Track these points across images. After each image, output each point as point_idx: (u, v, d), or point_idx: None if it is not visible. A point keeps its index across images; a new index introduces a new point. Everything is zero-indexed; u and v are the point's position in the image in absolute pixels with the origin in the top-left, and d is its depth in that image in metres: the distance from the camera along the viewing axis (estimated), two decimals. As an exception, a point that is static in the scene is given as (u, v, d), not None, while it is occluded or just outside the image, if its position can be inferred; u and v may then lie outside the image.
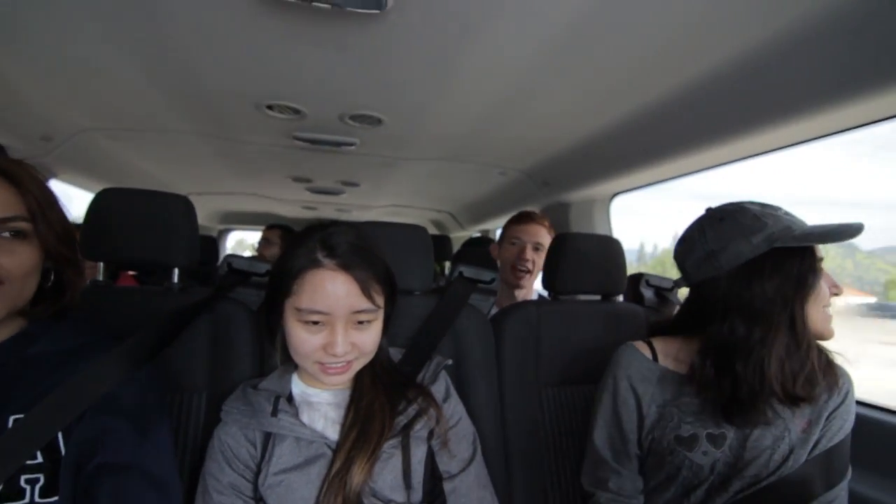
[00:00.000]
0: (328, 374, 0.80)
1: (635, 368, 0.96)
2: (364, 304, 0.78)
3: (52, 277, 0.77)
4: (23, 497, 0.66)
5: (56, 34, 1.03)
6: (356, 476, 0.76)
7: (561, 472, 1.19)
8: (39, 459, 0.68)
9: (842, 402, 0.87)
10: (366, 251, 0.81)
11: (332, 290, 0.76)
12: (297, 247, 0.80)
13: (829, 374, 0.87)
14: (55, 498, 0.68)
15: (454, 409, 0.94)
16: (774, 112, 1.06)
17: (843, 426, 0.87)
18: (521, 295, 1.72)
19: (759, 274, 0.83)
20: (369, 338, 0.81)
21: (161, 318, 0.94)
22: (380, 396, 0.85)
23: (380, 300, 0.81)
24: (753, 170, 1.40)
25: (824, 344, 0.89)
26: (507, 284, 1.72)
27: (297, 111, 1.43)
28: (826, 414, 0.87)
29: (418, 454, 0.84)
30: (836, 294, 0.86)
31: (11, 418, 0.68)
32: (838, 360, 0.90)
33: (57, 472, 0.69)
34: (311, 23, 0.94)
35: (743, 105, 1.10)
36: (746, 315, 0.83)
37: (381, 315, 0.83)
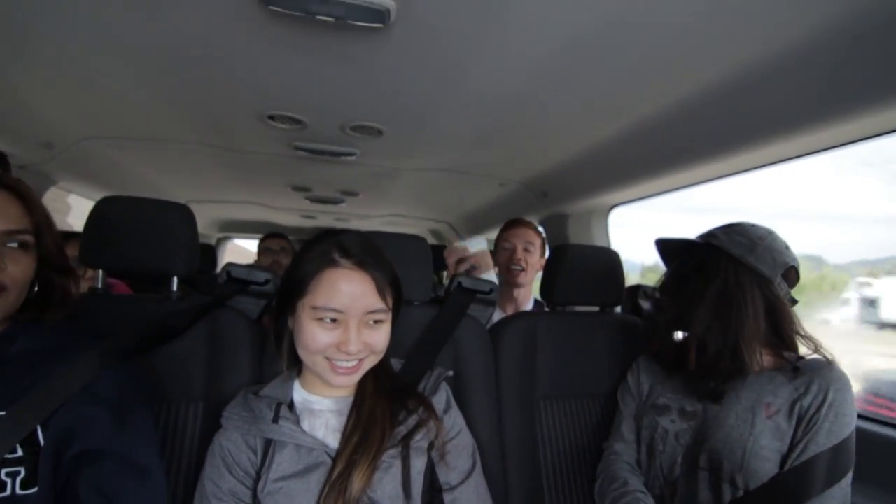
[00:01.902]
0: (337, 374, 0.81)
1: (644, 363, 1.17)
2: (378, 303, 0.81)
3: (37, 287, 0.81)
4: (4, 490, 0.69)
5: (59, 42, 1.04)
6: (356, 482, 0.76)
7: (560, 485, 1.19)
8: (19, 453, 0.71)
9: (823, 403, 0.89)
10: (378, 254, 0.84)
11: (348, 288, 0.79)
12: (310, 250, 0.82)
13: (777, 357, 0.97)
14: (35, 489, 0.70)
15: (454, 420, 0.94)
16: (772, 127, 1.08)
17: (833, 429, 0.88)
18: (521, 294, 1.81)
19: None
20: (381, 337, 0.83)
21: (151, 321, 0.95)
22: (382, 403, 0.86)
23: (391, 302, 0.84)
24: (739, 183, 1.44)
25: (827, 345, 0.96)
26: (507, 285, 1.81)
27: (298, 121, 1.44)
28: (798, 409, 0.91)
29: (418, 465, 0.84)
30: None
31: None
32: (826, 360, 0.95)
33: (37, 464, 0.71)
34: (314, 35, 0.95)
35: (740, 120, 1.11)
36: None
37: (390, 317, 0.85)
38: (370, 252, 0.83)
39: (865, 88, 0.90)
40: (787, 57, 0.91)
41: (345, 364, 0.80)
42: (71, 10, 0.92)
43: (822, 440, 0.87)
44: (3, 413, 0.71)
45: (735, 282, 0.95)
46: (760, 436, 0.91)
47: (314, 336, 0.79)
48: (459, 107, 1.28)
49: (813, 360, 0.95)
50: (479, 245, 1.49)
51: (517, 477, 1.13)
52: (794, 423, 0.90)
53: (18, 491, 0.70)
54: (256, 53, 1.05)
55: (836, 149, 1.11)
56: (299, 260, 0.83)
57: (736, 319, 0.94)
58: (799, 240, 1.00)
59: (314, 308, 0.79)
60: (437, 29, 0.91)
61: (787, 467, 0.88)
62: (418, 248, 1.19)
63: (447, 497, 0.86)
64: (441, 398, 0.94)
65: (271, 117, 1.41)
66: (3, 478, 0.69)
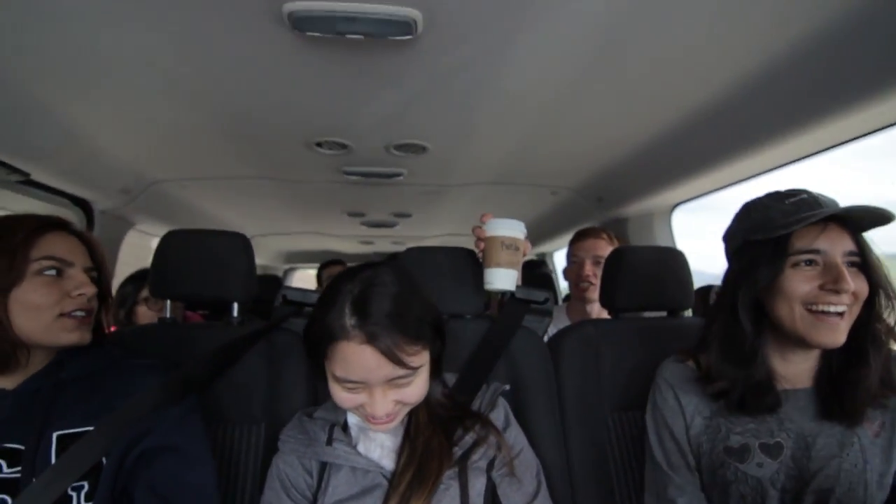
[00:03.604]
0: (374, 424, 0.77)
1: (678, 378, 0.92)
2: (398, 371, 0.74)
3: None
4: (70, 503, 0.75)
5: (131, 95, 1.14)
6: None
7: (633, 502, 1.09)
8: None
9: None
10: (405, 308, 0.75)
11: (362, 363, 0.72)
12: (329, 303, 0.76)
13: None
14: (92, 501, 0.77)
15: (515, 438, 0.89)
16: (838, 100, 0.98)
17: None
18: (593, 309, 1.71)
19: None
20: (412, 391, 0.77)
21: (211, 350, 0.98)
22: (437, 433, 0.82)
23: (418, 360, 0.76)
24: (793, 177, 1.30)
25: None
26: (579, 300, 1.73)
27: (343, 146, 1.48)
28: None
29: (477, 486, 0.80)
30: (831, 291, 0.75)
31: (55, 435, 0.78)
32: None
33: (98, 476, 0.78)
34: (347, 57, 0.97)
35: (801, 97, 1.02)
36: None
37: (424, 369, 0.79)
38: (394, 310, 0.73)
39: None
40: (847, 24, 0.81)
41: (377, 419, 0.76)
42: (132, 59, 1.00)
43: None
44: (62, 432, 0.78)
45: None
46: (874, 461, 0.76)
47: (340, 398, 0.76)
48: (499, 113, 1.26)
49: None
50: (501, 229, 1.03)
51: (586, 497, 1.05)
52: None
53: (83, 503, 0.76)
54: (296, 82, 1.09)
55: None
56: (320, 310, 0.77)
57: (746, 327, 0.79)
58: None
59: (334, 375, 0.75)
60: (466, 34, 0.90)
61: None
62: (465, 261, 1.17)
63: None
64: (499, 414, 0.89)
65: (318, 144, 1.47)
66: (69, 492, 0.75)
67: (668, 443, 0.91)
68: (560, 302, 2.45)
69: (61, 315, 0.80)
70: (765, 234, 0.79)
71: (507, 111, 1.25)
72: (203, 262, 1.11)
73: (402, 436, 0.83)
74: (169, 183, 1.82)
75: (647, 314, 1.35)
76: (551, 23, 0.87)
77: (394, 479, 0.78)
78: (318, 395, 1.03)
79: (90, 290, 0.84)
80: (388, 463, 0.81)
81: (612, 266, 1.27)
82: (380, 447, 0.83)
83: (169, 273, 1.12)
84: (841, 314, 0.75)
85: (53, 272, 0.81)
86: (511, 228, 1.02)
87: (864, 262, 0.77)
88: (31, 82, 1.05)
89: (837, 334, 0.75)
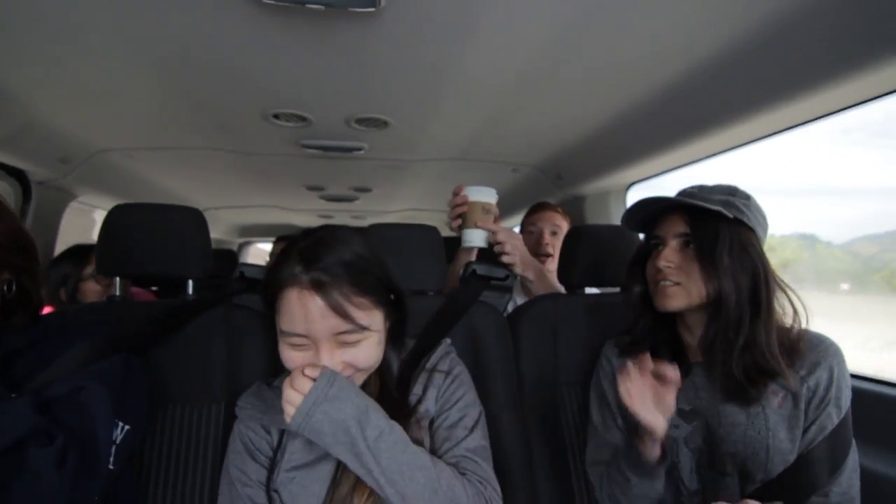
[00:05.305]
0: None
1: (615, 351, 1.05)
2: (344, 325, 0.72)
3: (14, 287, 0.78)
4: None
5: (66, 56, 1.06)
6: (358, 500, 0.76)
7: (587, 472, 1.16)
8: None
9: (831, 381, 0.83)
10: (353, 264, 0.74)
11: (306, 311, 0.71)
12: (283, 255, 0.75)
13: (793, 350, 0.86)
14: None
15: (456, 390, 0.89)
16: (795, 84, 1.02)
17: (840, 403, 0.83)
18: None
19: None
20: (362, 354, 0.76)
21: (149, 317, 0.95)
22: (387, 404, 0.80)
23: (367, 317, 0.74)
24: (747, 159, 1.38)
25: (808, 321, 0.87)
26: None
27: (302, 118, 1.43)
28: (805, 391, 0.84)
29: (417, 439, 0.80)
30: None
31: None
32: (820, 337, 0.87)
33: None
34: (307, 27, 0.94)
35: (760, 79, 1.05)
36: None
37: (375, 333, 0.78)
38: (341, 263, 0.73)
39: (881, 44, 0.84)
40: (806, 6, 0.85)
41: None
42: (76, 23, 0.93)
43: (834, 416, 0.83)
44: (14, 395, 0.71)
45: (751, 247, 0.86)
46: (777, 429, 0.83)
47: (287, 356, 0.75)
48: (462, 91, 1.26)
49: (809, 335, 0.87)
50: (481, 195, 1.23)
51: (542, 468, 1.11)
52: (803, 405, 0.84)
53: None
54: (253, 51, 1.04)
55: (858, 106, 1.04)
56: (273, 265, 0.76)
57: (765, 294, 0.84)
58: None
59: (281, 331, 0.74)
60: (430, 11, 0.88)
61: (804, 450, 0.83)
62: (429, 238, 1.17)
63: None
64: (444, 364, 0.91)
65: (276, 116, 1.41)
66: None
67: (604, 409, 1.02)
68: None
69: None
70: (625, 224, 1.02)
71: (471, 88, 1.24)
72: (155, 238, 1.07)
73: None
74: (114, 152, 1.71)
75: (601, 291, 1.40)
76: (514, 2, 0.86)
77: (341, 469, 0.78)
78: (278, 372, 1.02)
79: None
80: None
81: (571, 244, 1.31)
82: None
83: (118, 249, 1.07)
84: (675, 284, 0.89)
85: None
86: (489, 195, 1.24)
87: (695, 243, 0.88)
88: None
89: (669, 300, 0.89)
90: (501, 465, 0.97)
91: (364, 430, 0.72)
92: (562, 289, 1.66)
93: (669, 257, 0.89)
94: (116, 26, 0.94)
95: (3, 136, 1.37)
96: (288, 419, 0.72)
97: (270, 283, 0.75)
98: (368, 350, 0.77)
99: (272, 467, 0.80)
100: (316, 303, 0.71)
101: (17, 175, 1.61)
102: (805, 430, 0.84)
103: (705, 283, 0.86)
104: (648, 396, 0.80)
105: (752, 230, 0.88)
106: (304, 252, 0.73)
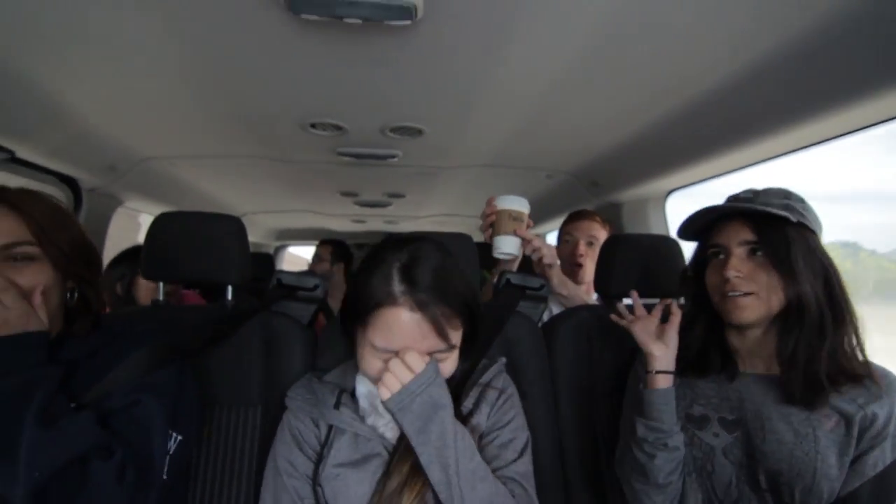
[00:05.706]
0: None
1: None
2: (440, 345, 0.75)
3: (76, 295, 0.81)
4: None
5: (122, 75, 1.11)
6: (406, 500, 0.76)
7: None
8: None
9: (889, 419, 0.78)
10: (449, 282, 0.75)
11: (407, 331, 0.73)
12: (374, 270, 0.75)
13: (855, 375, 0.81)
14: None
15: (508, 411, 0.89)
16: (841, 92, 0.97)
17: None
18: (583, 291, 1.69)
19: None
20: (447, 368, 0.79)
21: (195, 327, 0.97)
22: None
23: (457, 337, 0.77)
24: (789, 167, 1.32)
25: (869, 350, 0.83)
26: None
27: (338, 127, 1.46)
28: (861, 419, 0.78)
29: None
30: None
31: None
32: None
33: None
34: (345, 40, 0.95)
35: (806, 88, 1.01)
36: None
37: (457, 350, 0.80)
38: (440, 282, 0.74)
39: None
40: (854, 15, 0.80)
41: None
42: (125, 43, 0.97)
43: (888, 454, 0.78)
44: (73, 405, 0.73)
45: (818, 249, 0.83)
46: (827, 453, 0.78)
47: (371, 365, 0.76)
48: (497, 99, 1.25)
49: (874, 366, 0.82)
50: (509, 203, 1.22)
51: (578, 480, 1.09)
52: (856, 432, 0.78)
53: None
54: (292, 64, 1.07)
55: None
56: (362, 277, 0.77)
57: (842, 296, 0.81)
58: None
59: (373, 346, 0.75)
60: (466, 22, 0.88)
61: (855, 486, 0.78)
62: (462, 247, 1.17)
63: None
64: (498, 382, 0.91)
65: (313, 125, 1.44)
66: None
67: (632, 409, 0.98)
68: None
69: None
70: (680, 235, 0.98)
71: (505, 96, 1.23)
72: (197, 245, 1.11)
73: None
74: (158, 160, 1.79)
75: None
76: (550, 10, 0.85)
77: (395, 451, 0.79)
78: (314, 379, 1.04)
79: None
80: (390, 434, 0.81)
81: (608, 253, 1.28)
82: (384, 416, 0.83)
83: (162, 256, 1.11)
84: (747, 295, 0.84)
85: None
86: (518, 203, 1.23)
87: (766, 249, 0.83)
88: (15, 57, 1.01)
89: (744, 311, 0.84)
90: (536, 479, 0.95)
91: (455, 423, 0.74)
92: (590, 301, 1.62)
93: (738, 267, 0.84)
94: (161, 45, 0.98)
95: (57, 146, 1.44)
96: (386, 395, 0.72)
97: (363, 297, 0.75)
98: (452, 364, 0.79)
99: (319, 461, 0.81)
100: (418, 323, 0.73)
101: (69, 182, 1.69)
102: (854, 460, 0.79)
103: (784, 291, 0.82)
104: (653, 331, 0.92)
105: (813, 232, 0.84)
106: (405, 271, 0.74)
